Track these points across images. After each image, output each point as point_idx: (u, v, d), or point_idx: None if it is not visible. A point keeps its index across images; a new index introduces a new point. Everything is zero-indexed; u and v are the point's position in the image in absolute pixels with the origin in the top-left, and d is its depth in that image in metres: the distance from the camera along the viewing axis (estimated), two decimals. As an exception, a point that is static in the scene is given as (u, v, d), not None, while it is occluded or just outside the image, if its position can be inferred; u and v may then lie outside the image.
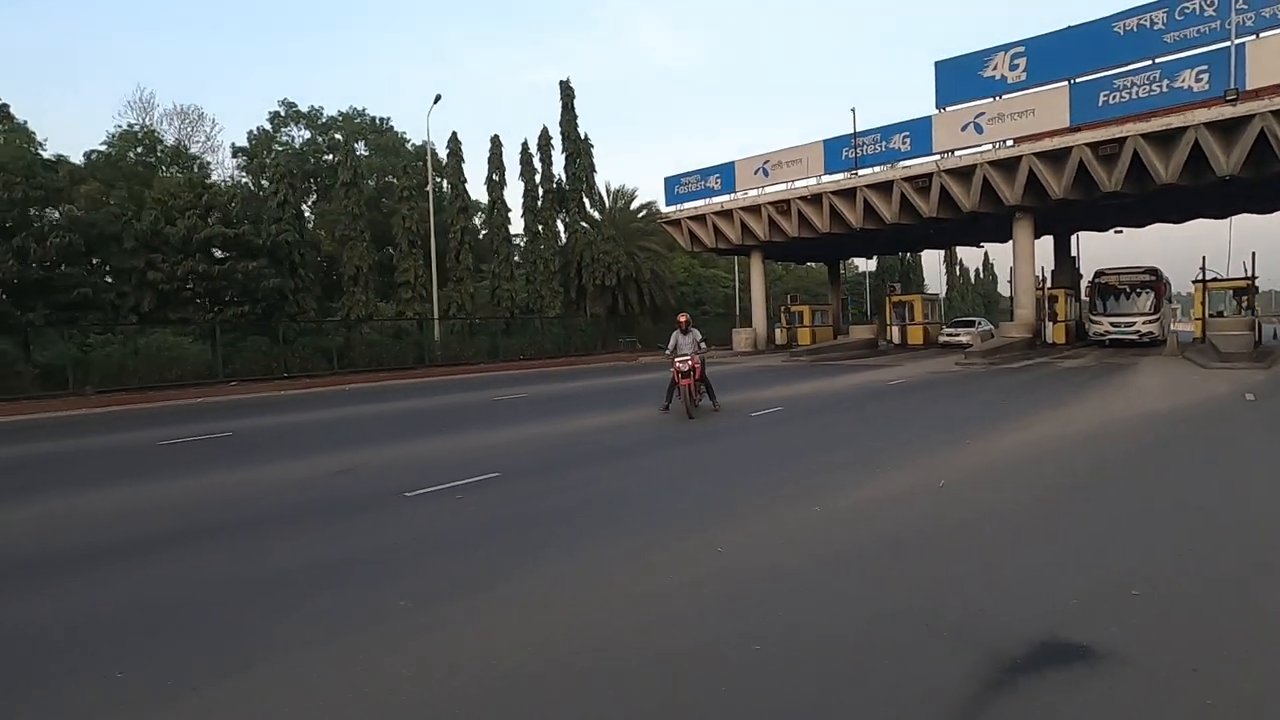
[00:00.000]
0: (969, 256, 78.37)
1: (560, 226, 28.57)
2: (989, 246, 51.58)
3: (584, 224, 29.08)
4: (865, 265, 64.44)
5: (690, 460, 8.27)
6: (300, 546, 5.19)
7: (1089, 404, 11.70)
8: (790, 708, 2.83)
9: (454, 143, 26.20)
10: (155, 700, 3.00)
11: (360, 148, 46.73)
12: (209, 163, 45.87)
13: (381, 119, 48.61)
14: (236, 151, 46.04)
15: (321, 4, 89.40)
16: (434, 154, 25.21)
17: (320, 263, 22.83)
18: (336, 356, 20.28)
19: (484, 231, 27.10)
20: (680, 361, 11.32)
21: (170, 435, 10.87)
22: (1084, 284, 32.80)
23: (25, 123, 38.19)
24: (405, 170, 24.93)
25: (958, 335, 32.47)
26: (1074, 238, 36.20)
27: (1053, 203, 26.11)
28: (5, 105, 39.46)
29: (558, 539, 5.16)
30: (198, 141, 47.87)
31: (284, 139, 46.58)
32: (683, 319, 12.13)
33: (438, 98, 29.10)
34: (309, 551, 5.05)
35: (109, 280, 17.55)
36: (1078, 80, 24.79)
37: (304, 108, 46.07)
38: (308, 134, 46.87)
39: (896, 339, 33.62)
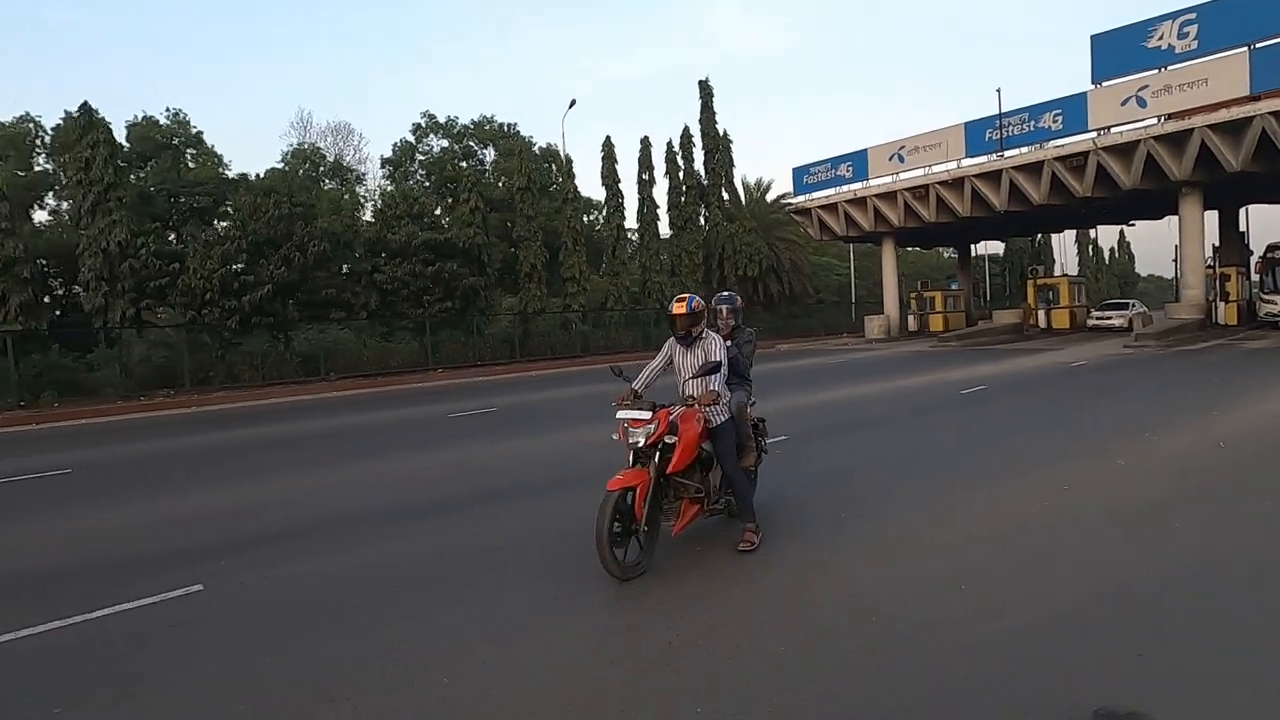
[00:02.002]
0: (1102, 236, 73.47)
1: (701, 220, 29.78)
2: (1124, 225, 48.74)
3: (723, 218, 30.17)
4: (981, 249, 61.95)
5: (958, 427, 9.19)
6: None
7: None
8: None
9: (607, 145, 27.93)
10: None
11: (489, 153, 49.84)
12: (364, 174, 50.40)
13: (508, 124, 51.51)
14: (384, 163, 50.21)
15: (384, 17, 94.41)
16: (568, 157, 26.98)
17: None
18: (518, 346, 22.50)
19: (634, 227, 28.73)
20: (635, 423, 4.30)
21: (449, 411, 12.87)
22: (1254, 260, 30.68)
23: (213, 146, 43.49)
24: (566, 173, 26.82)
25: (1109, 319, 31.22)
26: (1242, 212, 33.79)
27: (1226, 176, 24.81)
28: (200, 132, 45.03)
29: (895, 487, 6.31)
30: (347, 155, 52.64)
31: (424, 149, 50.33)
32: (679, 310, 4.60)
33: (573, 102, 30.95)
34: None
35: (344, 281, 20.29)
36: (1259, 45, 23.38)
37: (435, 119, 49.56)
38: (445, 143, 50.41)
39: (1042, 323, 32.68)
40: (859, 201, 34.65)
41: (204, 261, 17.52)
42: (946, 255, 70.28)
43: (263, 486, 7.36)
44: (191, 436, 11.52)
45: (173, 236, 33.98)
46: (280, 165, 43.24)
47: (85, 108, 18.20)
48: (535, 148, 48.57)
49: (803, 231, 36.13)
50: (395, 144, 50.13)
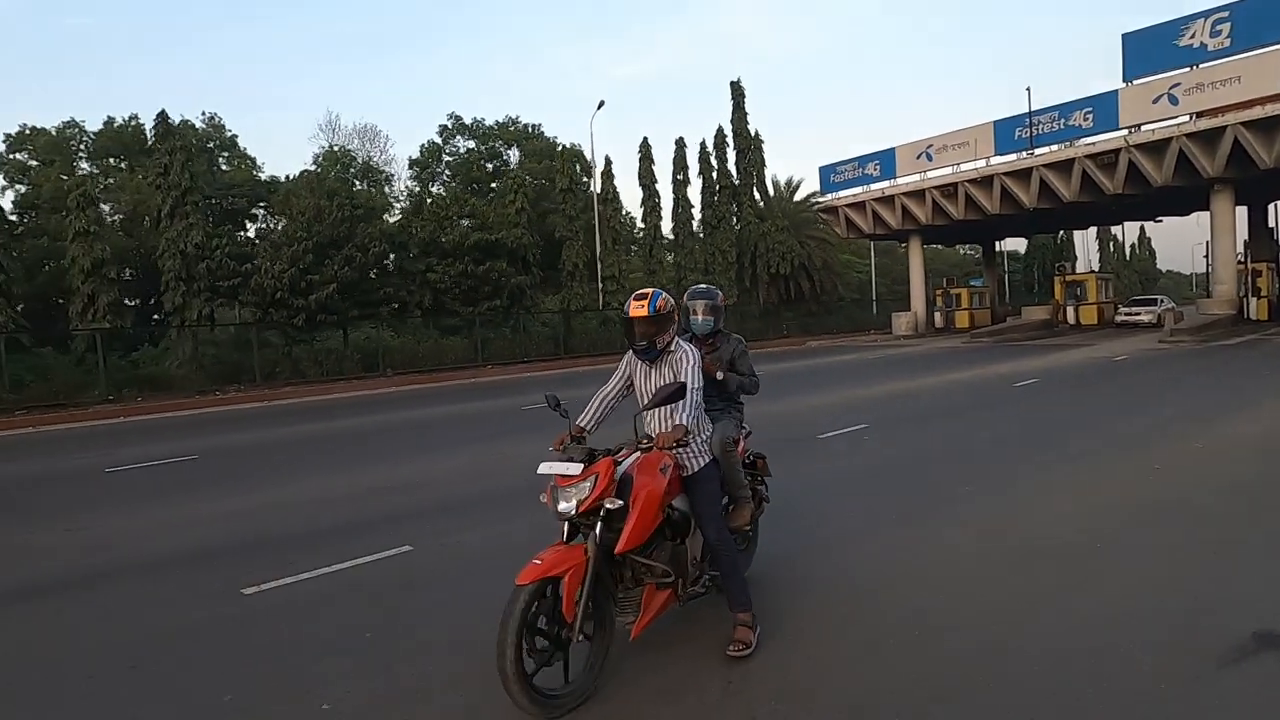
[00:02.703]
0: (1122, 232, 73.29)
1: (734, 219, 30.34)
2: (1150, 222, 48.82)
3: (754, 216, 30.73)
4: (1000, 246, 62.01)
5: (1026, 418, 9.71)
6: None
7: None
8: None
9: (644, 147, 28.58)
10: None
11: (513, 154, 50.51)
12: (392, 175, 51.19)
13: (533, 125, 52.18)
14: (412, 164, 50.98)
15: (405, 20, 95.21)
16: (607, 158, 27.52)
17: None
18: (563, 343, 23.13)
19: (671, 225, 29.34)
20: (563, 480, 2.91)
21: (523, 404, 13.48)
22: (1283, 255, 30.83)
23: (245, 149, 44.47)
24: (605, 173, 27.42)
25: (1137, 314, 31.42)
26: (1272, 207, 33.93)
27: (1259, 173, 25.06)
28: (234, 136, 45.98)
29: (1008, 462, 6.85)
30: (374, 156, 53.47)
31: (450, 150, 51.06)
32: (638, 311, 3.24)
33: (601, 104, 31.57)
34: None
35: (400, 280, 20.99)
36: (1293, 43, 23.63)
37: (461, 120, 50.26)
38: (471, 144, 51.09)
39: (1070, 319, 32.97)
40: (887, 200, 35.04)
41: (273, 262, 18.29)
42: (961, 252, 70.50)
43: (405, 467, 7.97)
44: (292, 426, 12.21)
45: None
46: (314, 168, 44.21)
47: (162, 115, 19.05)
48: (559, 148, 49.30)
49: (830, 230, 36.59)
50: (422, 145, 50.95)
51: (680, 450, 3.11)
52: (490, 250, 20.98)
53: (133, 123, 43.61)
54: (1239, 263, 28.02)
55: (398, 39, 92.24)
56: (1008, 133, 30.97)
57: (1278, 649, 3.07)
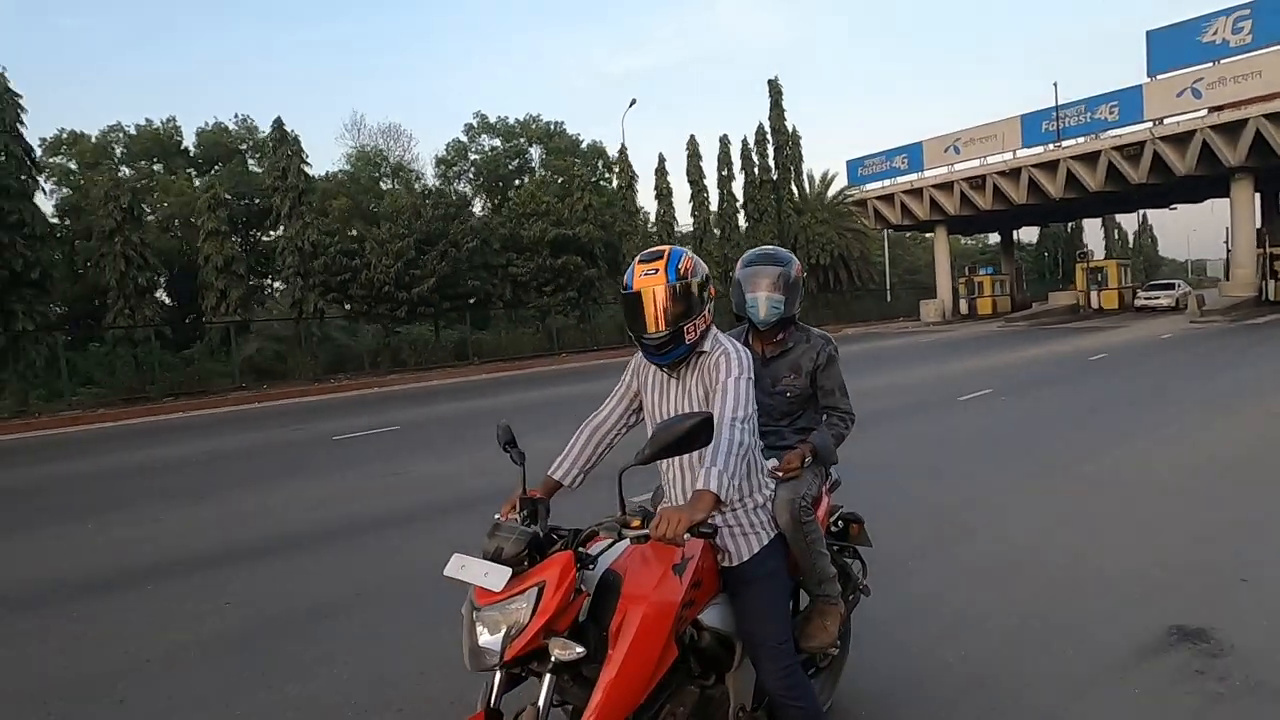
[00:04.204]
0: (1126, 221, 74.98)
1: (776, 213, 31.69)
2: (1167, 209, 50.49)
3: (793, 210, 32.12)
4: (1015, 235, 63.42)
5: (1131, 378, 11.05)
6: (906, 436, 8.48)
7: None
8: None
9: (692, 144, 29.87)
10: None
11: (535, 152, 51.52)
12: (422, 174, 52.17)
13: (555, 123, 53.25)
14: (439, 162, 51.98)
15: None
16: (661, 155, 28.53)
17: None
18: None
19: (717, 216, 30.62)
20: (482, 596, 1.55)
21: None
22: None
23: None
24: (658, 170, 28.57)
25: (1156, 299, 32.92)
26: (1284, 194, 35.43)
27: (1278, 162, 26.52)
28: (266, 137, 46.72)
29: (1148, 410, 8.21)
30: (398, 154, 54.39)
31: (475, 149, 52.01)
32: (650, 280, 1.87)
33: (633, 101, 32.83)
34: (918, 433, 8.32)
35: (485, 274, 22.25)
36: (1312, 39, 25.05)
37: (486, 118, 51.17)
38: (497, 142, 52.07)
39: (1093, 304, 34.45)
40: (915, 192, 36.42)
41: (380, 258, 19.54)
42: (963, 242, 71.95)
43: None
44: (441, 406, 13.45)
45: (261, 235, 36.03)
46: (347, 168, 45.25)
47: (278, 123, 20.24)
48: (583, 145, 50.37)
49: (860, 221, 37.98)
50: (449, 144, 51.95)
51: (718, 527, 1.82)
52: (565, 245, 22.27)
53: (169, 124, 44.49)
54: (1258, 248, 29.47)
55: (413, 36, 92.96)
56: (1035, 126, 32.35)
57: None
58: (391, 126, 72.37)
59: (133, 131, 42.38)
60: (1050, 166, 31.50)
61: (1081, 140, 30.76)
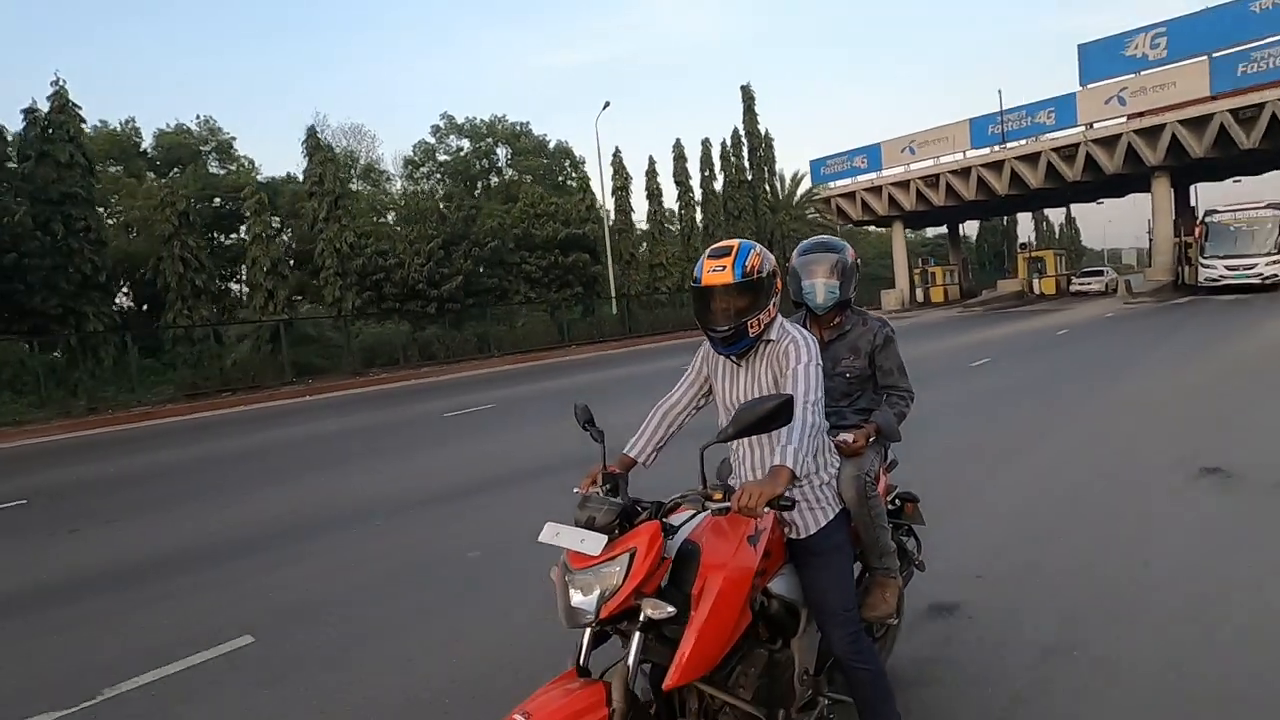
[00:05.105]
0: (1053, 214, 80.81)
1: (753, 211, 33.95)
2: (1095, 203, 55.41)
3: (767, 208, 34.47)
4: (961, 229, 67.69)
5: (1098, 345, 13.42)
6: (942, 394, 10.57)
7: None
8: None
9: (678, 147, 31.81)
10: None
11: (503, 153, 52.29)
12: (391, 175, 52.26)
13: (522, 123, 54.07)
14: (406, 163, 52.20)
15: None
16: (650, 158, 30.25)
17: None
18: (628, 323, 26.21)
19: (700, 217, 32.58)
20: (577, 559, 1.68)
21: (675, 367, 16.43)
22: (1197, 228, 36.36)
23: (235, 150, 44.79)
24: (648, 171, 30.36)
25: (1089, 284, 36.68)
26: (1192, 189, 39.79)
27: (1190, 161, 30.25)
28: (232, 138, 46.27)
29: (1124, 365, 10.47)
30: (362, 155, 54.28)
31: (444, 150, 52.38)
32: (718, 277, 1.99)
33: (606, 104, 34.47)
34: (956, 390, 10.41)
35: (502, 272, 23.55)
36: (1216, 55, 28.73)
37: (454, 119, 51.60)
38: (465, 143, 52.57)
39: (1036, 290, 38.02)
40: (875, 189, 39.33)
41: (412, 258, 20.62)
42: (909, 236, 76.56)
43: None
44: (505, 389, 14.80)
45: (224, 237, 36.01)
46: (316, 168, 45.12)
47: (311, 131, 20.97)
48: (550, 145, 51.49)
49: (825, 217, 40.69)
50: (415, 145, 52.20)
51: (790, 503, 1.82)
52: (574, 243, 23.81)
53: (129, 125, 43.70)
54: (1175, 237, 33.33)
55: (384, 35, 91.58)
56: (982, 129, 35.57)
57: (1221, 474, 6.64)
58: (354, 126, 71.38)
59: (89, 133, 41.39)
60: (997, 166, 34.75)
61: (1024, 142, 34.09)
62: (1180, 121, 29.11)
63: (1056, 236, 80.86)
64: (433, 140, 51.55)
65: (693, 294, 2.02)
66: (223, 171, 42.19)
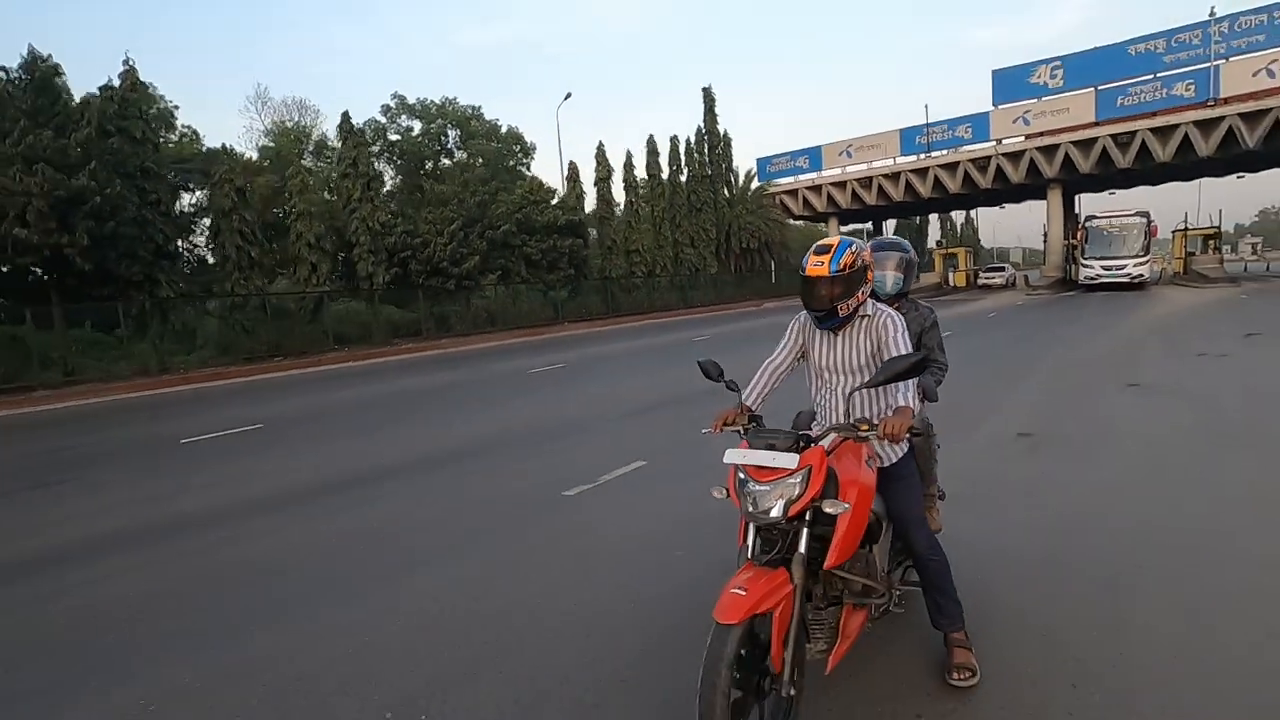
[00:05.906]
0: (955, 215, 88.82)
1: (713, 204, 37.08)
2: (998, 208, 62.42)
3: (726, 202, 37.77)
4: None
5: (1028, 323, 17.27)
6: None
7: (1159, 306, 21.25)
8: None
9: (651, 143, 34.32)
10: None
11: (453, 135, 53.04)
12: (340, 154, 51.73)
13: (474, 106, 54.80)
14: (357, 143, 51.94)
15: None
16: (628, 151, 32.27)
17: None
18: (610, 302, 28.73)
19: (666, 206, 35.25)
20: (763, 474, 2.23)
21: (695, 337, 19.20)
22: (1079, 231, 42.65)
23: (187, 124, 43.87)
24: (626, 165, 32.68)
25: (993, 278, 42.20)
26: (1077, 198, 46.30)
27: (1079, 175, 35.90)
28: (176, 107, 44.86)
29: (1062, 335, 14.19)
30: (316, 131, 53.53)
31: (395, 129, 52.42)
32: (818, 269, 2.48)
33: (568, 95, 36.79)
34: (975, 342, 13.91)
35: (505, 253, 25.41)
36: (1101, 87, 34.28)
37: (405, 100, 51.75)
38: (416, 124, 52.75)
39: (950, 282, 43.33)
40: (816, 188, 43.55)
41: (437, 238, 22.19)
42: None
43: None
44: (557, 355, 16.91)
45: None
46: (270, 144, 44.80)
47: (345, 117, 21.91)
48: (503, 130, 52.63)
49: (770, 212, 44.49)
50: (366, 122, 51.98)
51: (890, 441, 2.41)
52: (570, 228, 26.03)
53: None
54: (1065, 240, 39.18)
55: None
56: (910, 139, 40.27)
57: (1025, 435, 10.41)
58: (298, 100, 69.39)
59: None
60: (922, 172, 39.54)
61: (945, 152, 38.99)
62: (1072, 142, 34.59)
63: (959, 236, 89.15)
64: (383, 119, 51.73)
65: (801, 282, 2.50)
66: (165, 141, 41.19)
